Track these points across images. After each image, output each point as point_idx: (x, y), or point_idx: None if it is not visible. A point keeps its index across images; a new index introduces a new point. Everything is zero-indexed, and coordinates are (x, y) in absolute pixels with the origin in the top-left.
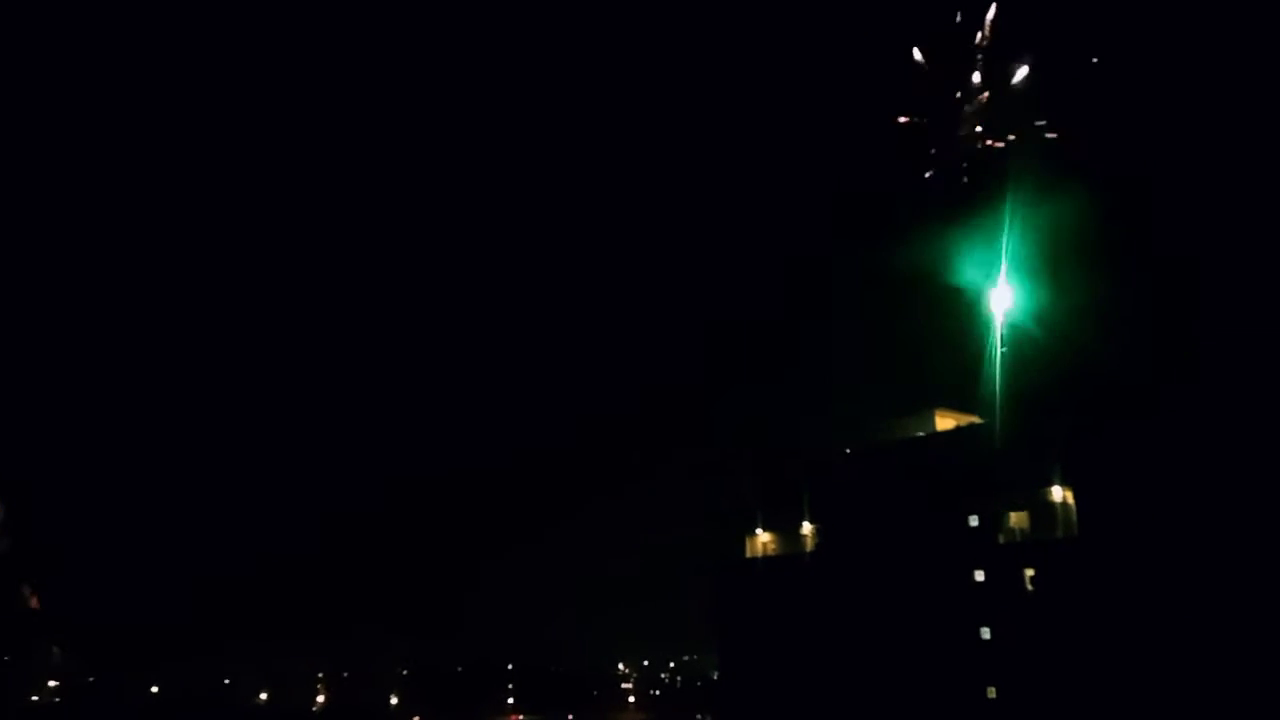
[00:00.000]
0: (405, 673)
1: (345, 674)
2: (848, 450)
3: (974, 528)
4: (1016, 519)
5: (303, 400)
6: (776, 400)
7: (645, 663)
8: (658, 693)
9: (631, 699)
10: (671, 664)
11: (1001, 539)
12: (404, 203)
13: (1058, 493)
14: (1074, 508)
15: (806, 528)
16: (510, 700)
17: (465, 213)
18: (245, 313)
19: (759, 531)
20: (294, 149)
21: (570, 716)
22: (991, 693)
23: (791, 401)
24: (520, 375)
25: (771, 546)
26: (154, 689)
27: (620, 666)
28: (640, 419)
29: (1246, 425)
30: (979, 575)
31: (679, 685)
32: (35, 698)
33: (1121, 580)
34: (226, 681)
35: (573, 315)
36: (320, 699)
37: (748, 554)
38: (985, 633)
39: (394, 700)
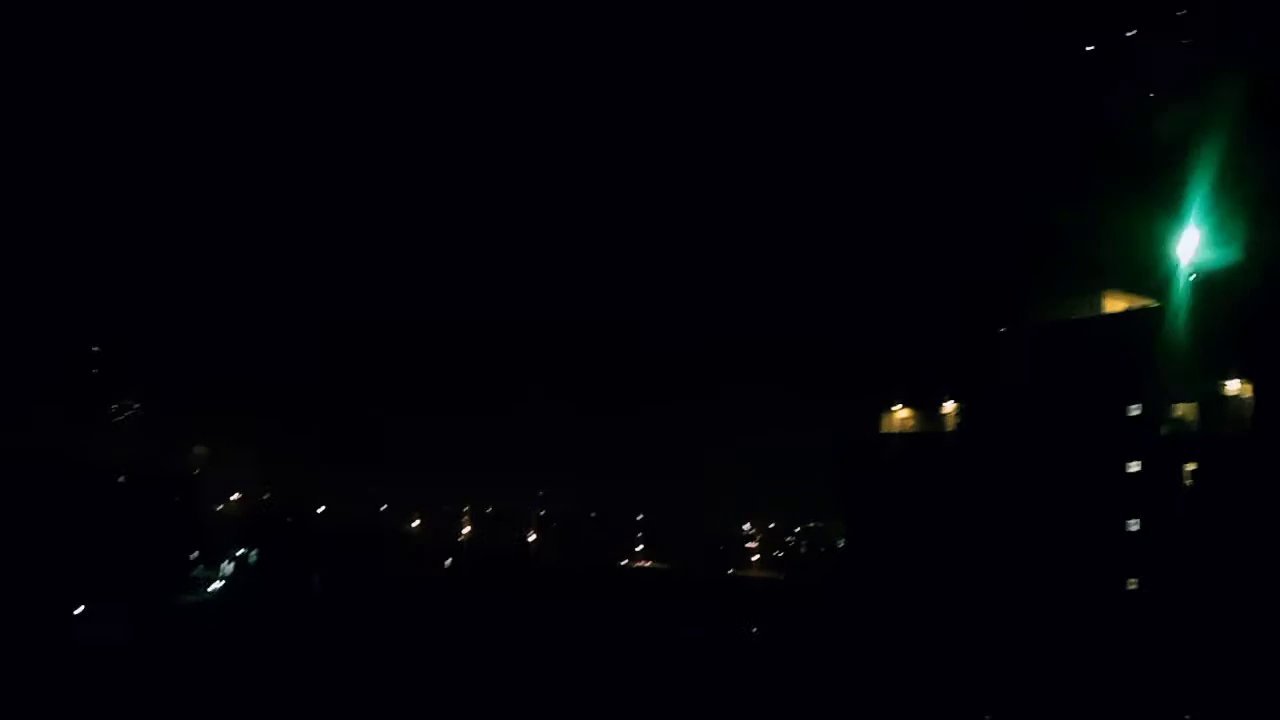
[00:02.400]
0: (543, 513)
1: (489, 510)
2: (1002, 329)
3: (1134, 417)
4: (1183, 410)
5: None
6: (925, 274)
7: (771, 525)
8: (781, 555)
9: (755, 558)
10: (797, 529)
11: (1164, 430)
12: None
13: (1234, 385)
14: (1250, 402)
15: (949, 406)
16: (639, 548)
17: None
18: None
19: (898, 407)
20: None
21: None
22: (1132, 584)
23: (942, 275)
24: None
25: (910, 423)
26: (319, 509)
27: (746, 527)
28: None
29: None
30: (1134, 466)
31: (803, 550)
32: (219, 507)
33: None
34: (383, 508)
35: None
36: (465, 531)
37: (884, 429)
38: (1133, 525)
39: (531, 538)
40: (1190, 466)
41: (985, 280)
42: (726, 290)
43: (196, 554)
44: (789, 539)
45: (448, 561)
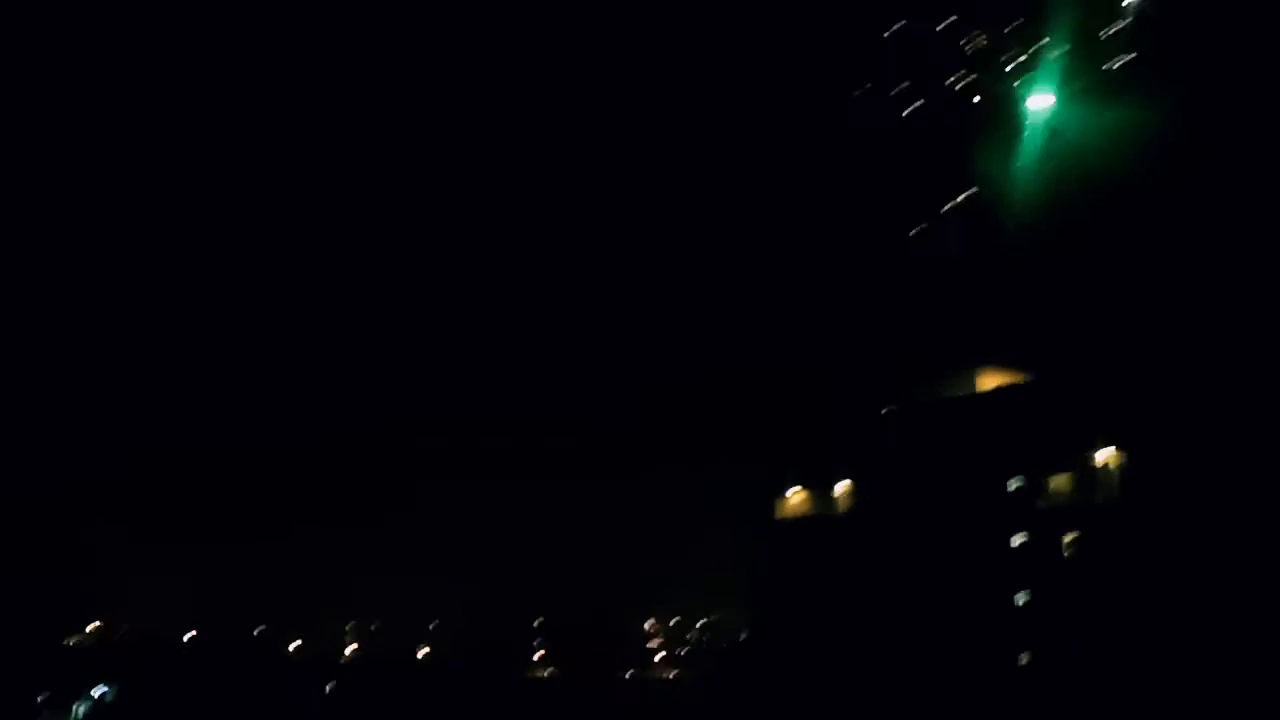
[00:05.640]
0: (433, 626)
1: (373, 626)
2: (884, 410)
3: (1013, 491)
4: (1058, 483)
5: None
6: (813, 359)
7: (673, 621)
8: (684, 651)
9: (658, 656)
10: (699, 623)
11: (1041, 503)
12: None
13: (1103, 456)
14: (1120, 472)
15: (840, 488)
16: (536, 656)
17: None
18: None
19: (791, 491)
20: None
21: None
22: (1024, 659)
23: (828, 360)
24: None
25: (804, 507)
26: (187, 636)
27: (647, 625)
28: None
29: None
30: (1016, 540)
31: (705, 644)
32: (71, 641)
33: (1167, 548)
34: (258, 630)
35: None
36: (350, 649)
37: (779, 514)
38: (1020, 599)
39: (423, 651)
40: (1069, 537)
41: (870, 360)
42: (614, 382)
43: (45, 695)
44: (690, 634)
45: (329, 685)
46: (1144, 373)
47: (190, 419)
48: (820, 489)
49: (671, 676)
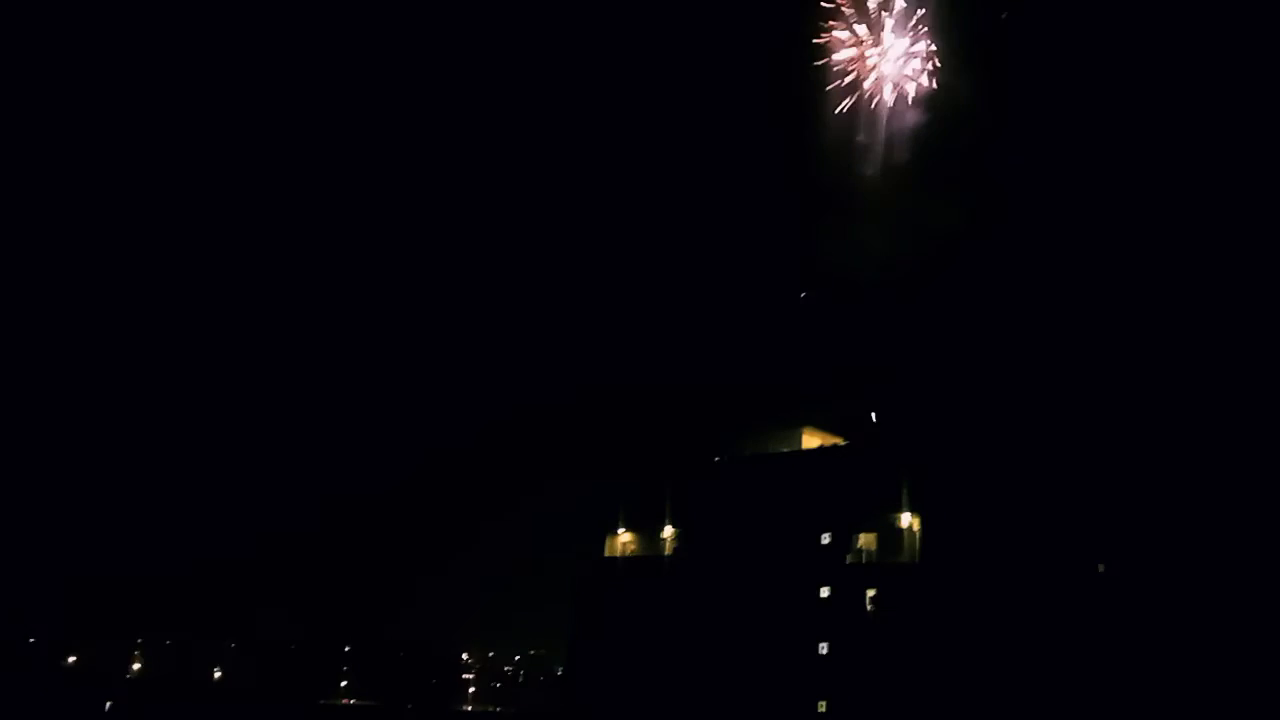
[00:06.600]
0: (233, 645)
1: (167, 641)
2: (716, 459)
3: (825, 545)
4: (865, 540)
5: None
6: (652, 406)
7: (490, 654)
8: (498, 685)
9: (471, 689)
10: (517, 657)
11: (849, 559)
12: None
13: (905, 518)
14: (919, 534)
15: (668, 531)
16: (344, 684)
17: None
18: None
19: (621, 531)
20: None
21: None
22: (822, 706)
23: (666, 408)
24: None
25: (632, 547)
26: None
27: (464, 657)
28: (509, 421)
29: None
30: (825, 592)
31: (522, 678)
32: None
33: (957, 607)
34: (31, 640)
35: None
36: (135, 666)
37: (607, 553)
38: (824, 647)
39: (218, 674)
40: (871, 592)
41: (704, 411)
42: (450, 409)
43: None
44: (508, 668)
45: (108, 704)
46: (943, 448)
47: None
48: (646, 530)
49: (495, 710)
